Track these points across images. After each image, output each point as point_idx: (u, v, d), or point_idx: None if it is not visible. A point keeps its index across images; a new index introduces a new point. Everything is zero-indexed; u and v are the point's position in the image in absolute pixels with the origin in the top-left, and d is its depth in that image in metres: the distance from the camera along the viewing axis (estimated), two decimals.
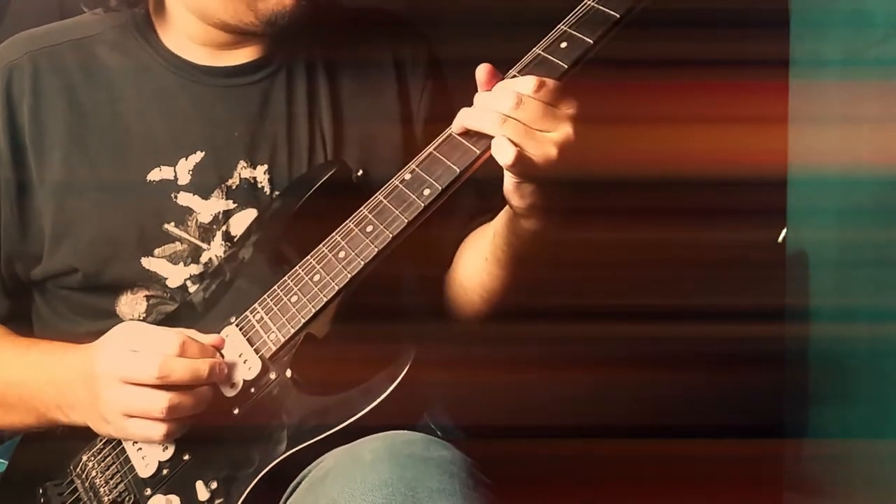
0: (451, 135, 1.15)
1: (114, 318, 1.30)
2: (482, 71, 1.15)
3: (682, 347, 1.79)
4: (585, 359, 1.84)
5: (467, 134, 1.13)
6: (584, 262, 1.73)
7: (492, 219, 1.29)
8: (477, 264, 1.32)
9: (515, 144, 1.07)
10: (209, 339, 1.16)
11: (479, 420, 1.47)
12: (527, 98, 1.08)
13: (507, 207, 1.21)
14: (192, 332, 1.17)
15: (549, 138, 1.08)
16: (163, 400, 1.10)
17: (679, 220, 1.77)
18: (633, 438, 1.82)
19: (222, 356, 1.17)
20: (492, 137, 1.10)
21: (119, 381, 1.11)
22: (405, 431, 1.08)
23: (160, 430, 1.11)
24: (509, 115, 1.08)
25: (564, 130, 1.08)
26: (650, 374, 1.89)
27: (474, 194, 1.35)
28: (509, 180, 1.12)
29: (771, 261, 1.79)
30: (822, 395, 1.77)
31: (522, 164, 1.08)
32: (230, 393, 1.15)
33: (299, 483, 1.10)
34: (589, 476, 1.79)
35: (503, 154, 1.07)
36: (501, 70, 1.15)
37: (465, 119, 1.13)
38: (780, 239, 1.78)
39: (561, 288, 1.58)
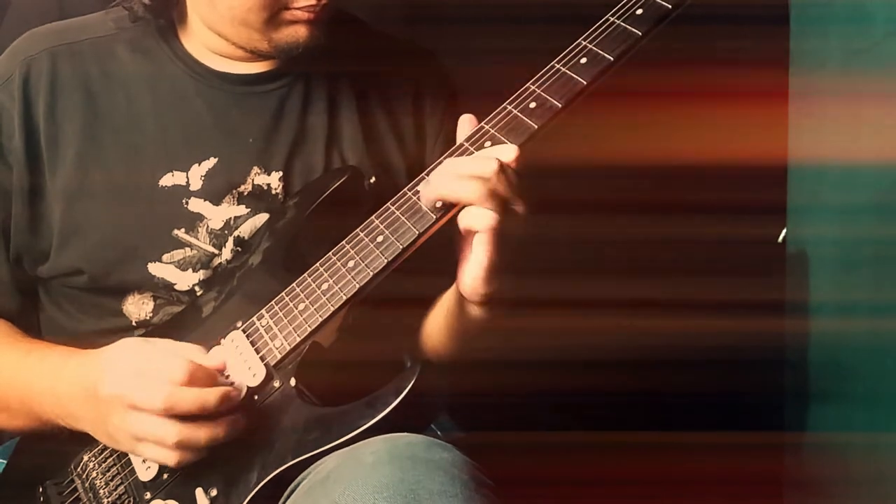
0: (465, 147, 1.14)
1: (120, 317, 1.31)
2: (466, 122, 1.15)
3: (683, 345, 1.79)
4: (586, 356, 1.84)
5: (480, 148, 1.13)
6: (586, 260, 1.74)
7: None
8: (432, 328, 1.31)
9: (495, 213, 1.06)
10: (212, 362, 1.15)
11: (480, 419, 1.47)
12: (507, 167, 1.07)
13: (455, 293, 1.20)
14: (196, 353, 1.15)
15: (519, 213, 1.08)
16: (173, 431, 1.08)
17: (680, 220, 1.77)
18: (633, 432, 1.82)
19: (226, 377, 1.16)
20: None
21: (126, 406, 1.10)
22: (406, 433, 1.08)
23: (174, 457, 1.10)
24: (490, 182, 1.06)
25: (529, 209, 1.08)
26: (651, 371, 1.89)
27: None
28: (481, 266, 1.10)
29: (771, 259, 1.79)
30: (822, 391, 1.76)
31: (496, 239, 1.07)
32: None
33: (299, 484, 1.10)
34: (589, 473, 1.79)
35: (482, 218, 1.07)
36: (518, 79, 1.15)
37: (440, 190, 1.10)
38: (781, 239, 1.78)
39: (563, 286, 1.58)
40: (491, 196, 1.06)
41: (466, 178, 1.07)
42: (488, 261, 1.10)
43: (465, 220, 1.09)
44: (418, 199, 1.14)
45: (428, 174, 1.15)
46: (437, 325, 1.30)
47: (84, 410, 1.16)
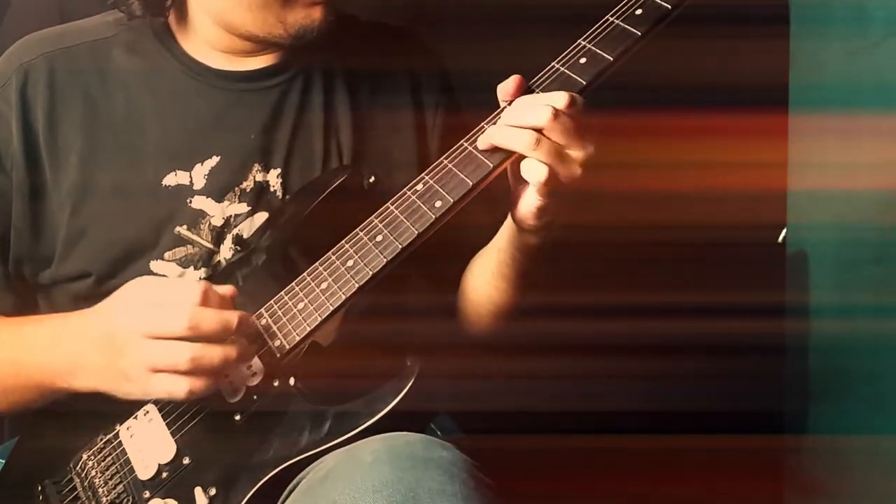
0: (465, 147, 1.14)
1: None
2: (512, 82, 1.14)
3: (684, 345, 1.79)
4: (588, 356, 1.84)
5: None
6: (590, 260, 1.73)
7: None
8: (484, 279, 1.32)
9: (547, 164, 1.07)
10: (224, 289, 1.15)
11: (480, 418, 1.47)
12: (562, 114, 1.07)
13: (508, 225, 1.21)
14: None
15: (575, 157, 1.08)
16: (188, 351, 1.08)
17: (682, 221, 1.77)
18: (633, 435, 1.82)
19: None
20: (508, 153, 1.10)
21: (143, 336, 1.09)
22: (405, 432, 1.08)
23: (184, 384, 1.09)
24: (544, 130, 1.07)
25: (589, 149, 1.08)
26: (652, 371, 1.89)
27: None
28: (532, 203, 1.12)
29: (771, 259, 1.80)
30: (822, 391, 1.77)
31: (551, 185, 1.07)
32: (232, 399, 1.16)
33: (297, 483, 1.10)
34: (589, 473, 1.79)
35: (536, 173, 1.07)
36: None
37: (495, 138, 1.11)
38: (780, 239, 1.78)
39: (566, 285, 1.58)
40: (544, 145, 1.07)
41: (520, 128, 1.08)
42: (540, 205, 1.11)
43: (522, 170, 1.10)
44: (417, 198, 1.14)
45: (429, 174, 1.15)
46: (488, 270, 1.30)
47: (90, 359, 1.15)
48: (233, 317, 1.11)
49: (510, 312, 1.33)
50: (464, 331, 1.38)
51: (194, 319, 1.08)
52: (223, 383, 1.14)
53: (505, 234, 1.24)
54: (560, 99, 1.08)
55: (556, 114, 1.07)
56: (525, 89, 1.14)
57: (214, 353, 1.10)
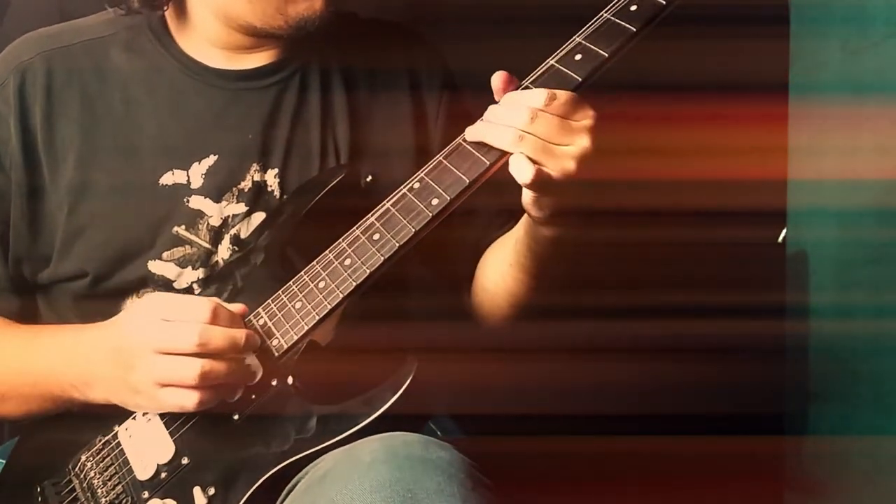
0: (461, 144, 1.14)
1: None
2: (498, 79, 1.13)
3: (684, 345, 1.79)
4: (588, 357, 1.84)
5: (478, 144, 1.13)
6: (588, 260, 1.73)
7: (513, 225, 1.30)
8: (502, 270, 1.32)
9: (534, 161, 1.06)
10: (234, 307, 1.16)
11: (480, 418, 1.47)
12: (541, 112, 1.07)
13: (525, 216, 1.21)
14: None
15: (566, 152, 1.07)
16: (196, 367, 1.09)
17: (682, 221, 1.77)
18: (633, 436, 1.82)
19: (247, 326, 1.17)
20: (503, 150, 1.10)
21: (153, 351, 1.11)
22: (404, 433, 1.08)
23: (193, 397, 1.11)
24: (525, 130, 1.07)
25: (581, 143, 1.08)
26: (652, 371, 1.89)
27: (495, 206, 1.36)
28: (528, 194, 1.11)
29: (771, 259, 1.80)
30: (823, 392, 1.76)
31: (541, 181, 1.07)
32: (230, 398, 1.15)
33: (296, 483, 1.10)
34: (589, 474, 1.79)
35: (522, 173, 1.07)
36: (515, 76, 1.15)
37: (480, 134, 1.12)
38: (780, 239, 1.78)
39: (567, 285, 1.58)
40: (528, 142, 1.07)
41: (504, 127, 1.09)
42: (535, 197, 1.11)
43: (510, 168, 1.09)
44: (414, 196, 1.14)
45: (425, 172, 1.15)
46: (507, 261, 1.30)
47: (102, 371, 1.16)
48: (241, 335, 1.12)
49: (528, 305, 1.33)
50: (479, 323, 1.39)
51: (204, 337, 1.10)
52: (224, 389, 1.14)
53: (522, 225, 1.25)
54: (538, 98, 1.08)
55: (535, 113, 1.07)
56: (519, 86, 1.14)
57: (222, 369, 1.11)
